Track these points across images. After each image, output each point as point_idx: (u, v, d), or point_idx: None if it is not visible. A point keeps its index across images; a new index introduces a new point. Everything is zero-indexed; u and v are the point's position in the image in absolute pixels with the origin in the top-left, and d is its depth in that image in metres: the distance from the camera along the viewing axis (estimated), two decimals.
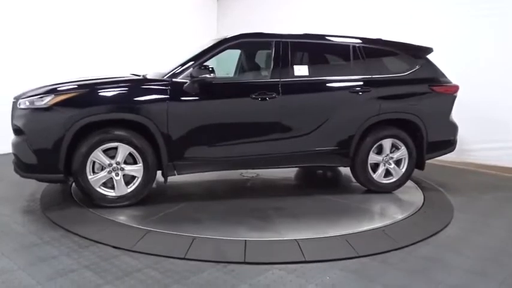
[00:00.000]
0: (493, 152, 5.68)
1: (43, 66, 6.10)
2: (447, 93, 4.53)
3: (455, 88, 4.57)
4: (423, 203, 4.21)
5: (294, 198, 4.32)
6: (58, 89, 3.67)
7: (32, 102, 3.60)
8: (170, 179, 4.02)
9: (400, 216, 3.80)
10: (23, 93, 3.76)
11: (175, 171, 3.93)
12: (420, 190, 4.67)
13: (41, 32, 6.35)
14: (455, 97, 4.58)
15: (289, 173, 5.27)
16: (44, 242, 3.09)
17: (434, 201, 4.34)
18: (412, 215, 3.88)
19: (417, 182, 4.91)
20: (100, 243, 3.09)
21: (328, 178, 5.37)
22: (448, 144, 4.70)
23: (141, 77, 4.07)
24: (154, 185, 4.11)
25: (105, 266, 2.75)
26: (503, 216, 4.04)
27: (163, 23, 8.02)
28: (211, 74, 3.76)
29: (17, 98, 3.76)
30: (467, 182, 5.33)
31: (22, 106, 3.64)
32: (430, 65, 4.56)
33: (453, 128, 4.68)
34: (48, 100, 3.55)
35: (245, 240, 3.14)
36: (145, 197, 3.93)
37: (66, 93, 3.62)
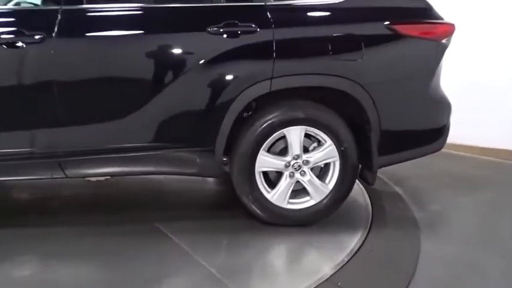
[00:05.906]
0: (468, 130, 4.04)
1: None
2: (426, 38, 2.37)
3: (445, 29, 2.41)
4: (369, 228, 2.49)
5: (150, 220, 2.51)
6: None
7: None
8: None
9: (329, 265, 2.09)
10: None
11: None
12: (366, 197, 2.97)
13: None
14: (444, 47, 2.43)
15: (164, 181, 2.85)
16: None
17: (388, 219, 2.67)
18: (351, 258, 2.17)
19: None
20: None
21: None
22: (429, 136, 2.57)
23: None
24: None
25: None
26: (498, 243, 2.44)
27: None
28: None
29: None
30: (436, 172, 3.64)
31: None
32: None
33: (440, 106, 2.53)
34: None
35: None
36: None
37: None
